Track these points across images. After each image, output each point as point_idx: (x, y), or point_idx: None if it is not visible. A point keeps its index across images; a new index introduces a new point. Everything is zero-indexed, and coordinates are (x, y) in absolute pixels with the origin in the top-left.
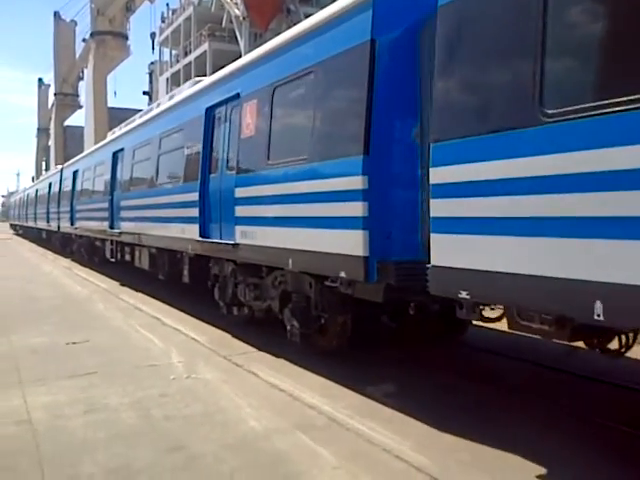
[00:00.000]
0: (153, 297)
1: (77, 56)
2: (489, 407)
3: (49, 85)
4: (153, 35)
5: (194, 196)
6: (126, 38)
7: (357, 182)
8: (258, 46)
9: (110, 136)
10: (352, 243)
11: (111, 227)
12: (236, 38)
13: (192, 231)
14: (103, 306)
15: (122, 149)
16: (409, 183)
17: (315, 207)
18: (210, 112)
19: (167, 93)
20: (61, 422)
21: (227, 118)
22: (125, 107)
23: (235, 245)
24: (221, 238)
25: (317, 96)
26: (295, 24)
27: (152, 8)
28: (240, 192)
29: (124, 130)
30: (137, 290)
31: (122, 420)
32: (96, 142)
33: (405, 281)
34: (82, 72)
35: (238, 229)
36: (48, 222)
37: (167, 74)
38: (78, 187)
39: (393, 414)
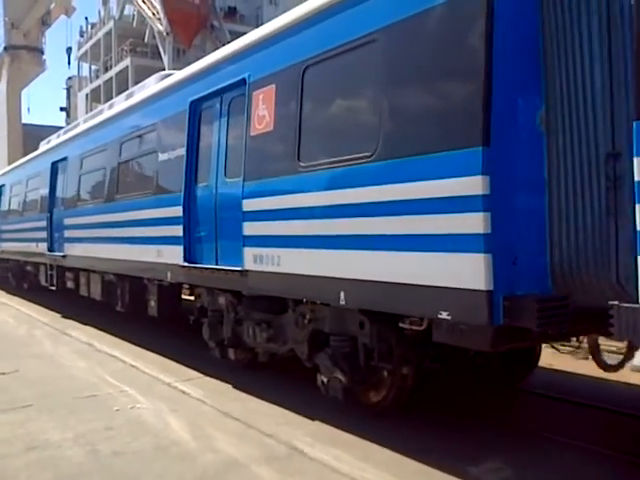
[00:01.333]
0: (111, 334)
1: None
2: None
3: None
4: (69, 49)
5: (175, 211)
6: (42, 52)
7: (473, 185)
8: (182, 62)
9: (44, 145)
10: (465, 271)
11: (50, 249)
12: (159, 54)
13: (173, 254)
14: (51, 346)
15: (65, 158)
16: (535, 187)
17: (395, 222)
18: (197, 106)
19: (86, 109)
20: (1, 463)
21: (224, 112)
22: (41, 124)
23: (243, 272)
24: (217, 263)
25: (391, 68)
26: (220, 41)
27: (68, 22)
28: (251, 204)
29: (66, 137)
30: (85, 324)
31: (68, 457)
32: (9, 159)
33: (549, 324)
34: None
35: (248, 252)
36: None
37: (87, 89)
38: (4, 204)
39: None
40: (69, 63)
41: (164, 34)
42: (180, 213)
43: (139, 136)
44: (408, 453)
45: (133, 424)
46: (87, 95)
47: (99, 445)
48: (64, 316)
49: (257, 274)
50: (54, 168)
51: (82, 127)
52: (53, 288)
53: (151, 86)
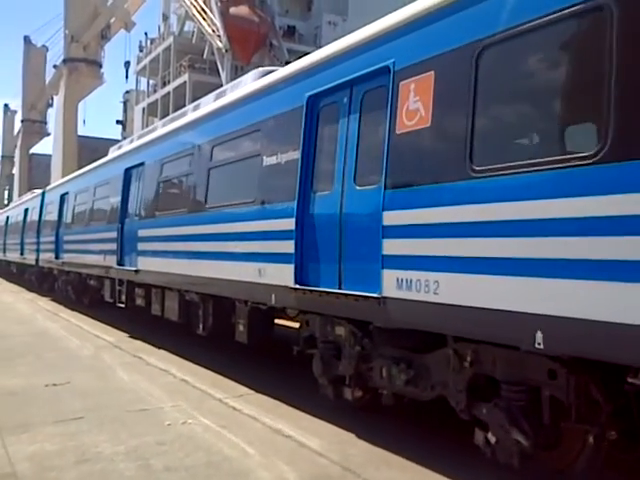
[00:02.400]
0: (199, 365)
1: (47, 82)
2: None
3: (15, 111)
4: (128, 64)
5: (285, 223)
6: (100, 66)
7: None
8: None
9: (115, 151)
10: None
11: (120, 263)
12: (217, 70)
13: (279, 274)
14: (128, 378)
15: (141, 164)
16: None
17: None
18: (316, 102)
19: (143, 122)
20: (51, 475)
21: (354, 107)
22: (96, 136)
23: (380, 300)
24: (341, 287)
25: None
26: (278, 59)
27: (127, 36)
28: (396, 217)
29: (143, 140)
30: (160, 347)
31: (120, 471)
32: (64, 171)
33: None
34: (51, 99)
35: (389, 275)
36: (22, 254)
37: (143, 104)
38: (67, 213)
39: None
40: (127, 77)
41: (223, 51)
42: (291, 226)
43: (237, 138)
44: None
45: None
46: (144, 109)
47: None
48: (132, 336)
49: (401, 302)
50: (128, 175)
51: (163, 130)
52: (122, 305)
53: (248, 84)
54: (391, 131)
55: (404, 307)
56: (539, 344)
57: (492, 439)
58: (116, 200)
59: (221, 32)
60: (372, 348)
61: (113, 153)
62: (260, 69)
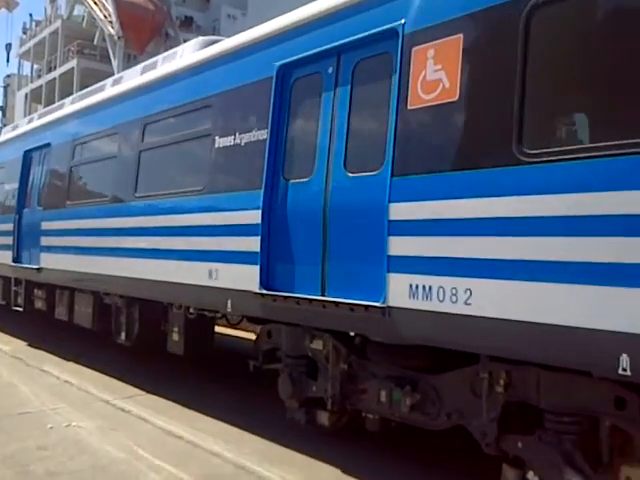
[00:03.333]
0: (113, 377)
1: None
2: None
3: None
4: (9, 46)
5: (247, 216)
6: None
7: None
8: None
9: (9, 132)
10: None
11: (17, 260)
12: (109, 57)
13: (239, 276)
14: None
15: (46, 145)
16: None
17: None
18: (289, 73)
19: (25, 109)
20: None
21: (344, 79)
22: None
23: (385, 310)
24: (325, 293)
25: None
26: None
27: (9, 17)
28: (410, 210)
29: (49, 118)
30: (67, 359)
31: None
32: None
33: None
34: None
35: (398, 280)
36: None
37: (26, 89)
38: None
39: None
40: (8, 60)
41: (115, 38)
42: (256, 219)
43: (178, 115)
44: None
45: None
46: (27, 95)
47: None
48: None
49: (415, 314)
50: (28, 158)
51: (75, 106)
52: (19, 309)
53: (191, 54)
54: (400, 107)
55: (419, 320)
56: (624, 370)
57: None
58: (12, 187)
59: (113, 18)
60: (363, 366)
61: (7, 134)
62: (203, 38)
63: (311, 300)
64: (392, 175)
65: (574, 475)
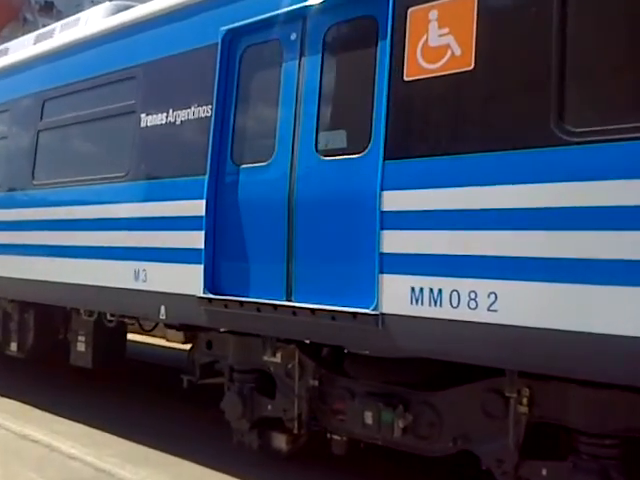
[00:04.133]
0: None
1: None
2: None
3: None
4: None
5: (189, 207)
6: None
7: None
8: None
9: None
10: None
11: None
12: None
13: (175, 277)
14: None
15: None
16: None
17: None
18: (238, 40)
19: None
20: None
21: (309, 49)
22: None
23: (380, 318)
24: (292, 297)
25: None
26: None
27: None
28: (409, 200)
29: None
30: None
31: None
32: None
33: None
34: None
35: (392, 282)
36: None
37: None
38: None
39: None
40: None
41: None
42: (199, 211)
43: (88, 89)
44: None
45: None
46: None
47: None
48: None
49: (419, 322)
50: None
51: None
52: None
53: (102, 19)
54: (393, 78)
55: (423, 329)
56: None
57: None
58: None
59: None
60: (336, 383)
61: None
62: (114, 2)
63: (276, 306)
64: (385, 158)
65: None
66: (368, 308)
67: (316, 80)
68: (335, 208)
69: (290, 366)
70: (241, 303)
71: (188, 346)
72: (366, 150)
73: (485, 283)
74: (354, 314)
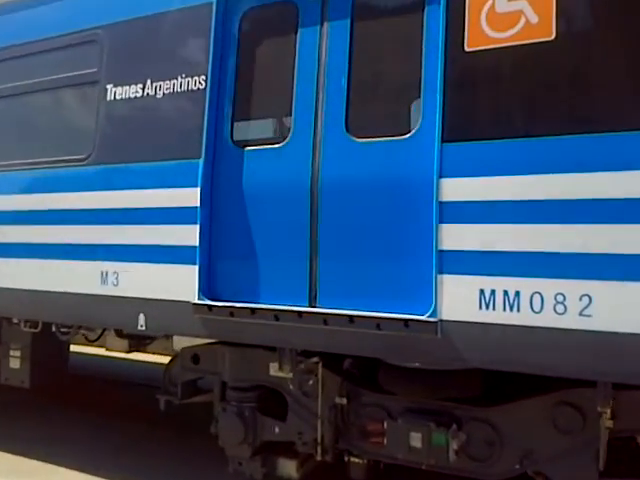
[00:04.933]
0: None
1: None
2: None
3: None
4: None
5: (179, 196)
6: None
7: None
8: None
9: None
10: None
11: None
12: None
13: (159, 280)
14: None
15: None
16: None
17: None
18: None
19: None
20: None
21: (333, 14)
22: None
23: (439, 325)
24: (314, 303)
25: None
26: None
27: None
28: (479, 188)
29: None
30: None
31: None
32: None
33: None
34: None
35: (454, 284)
36: None
37: None
38: None
39: None
40: None
41: None
42: (192, 201)
43: (41, 52)
44: None
45: None
46: None
47: None
48: None
49: (491, 330)
50: None
51: None
52: None
53: None
54: (450, 48)
55: (494, 337)
56: None
57: None
58: None
59: None
60: (368, 399)
61: None
62: None
63: (302, 313)
64: (443, 140)
65: None
66: (424, 314)
67: (344, 50)
68: (373, 198)
69: (311, 382)
70: (252, 310)
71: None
72: (415, 130)
73: (577, 284)
74: (406, 321)
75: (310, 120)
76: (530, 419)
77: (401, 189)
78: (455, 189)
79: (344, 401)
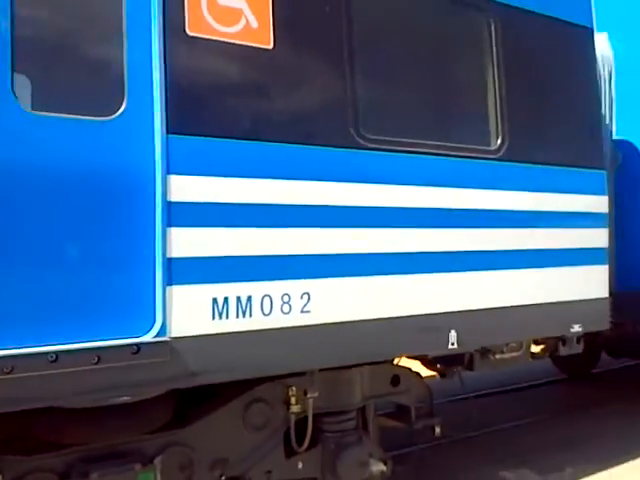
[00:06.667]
0: None
1: None
2: None
3: None
4: None
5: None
6: None
7: None
8: None
9: None
10: None
11: None
12: None
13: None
14: None
15: None
16: None
17: None
18: None
19: None
20: None
21: None
22: None
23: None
24: None
25: None
26: None
27: None
28: None
29: None
30: None
31: None
32: None
33: None
34: None
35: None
36: None
37: None
38: None
39: None
40: None
41: None
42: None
43: None
44: None
45: None
46: None
47: None
48: None
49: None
50: None
51: None
52: None
53: None
54: (169, 26)
55: (230, 346)
56: None
57: None
58: None
59: None
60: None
61: None
62: None
63: None
64: (169, 131)
65: None
66: (147, 334)
67: None
68: (49, 188)
69: None
70: None
71: None
72: (119, 112)
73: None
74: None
75: None
76: (223, 427)
77: (98, 183)
78: (186, 188)
79: None
